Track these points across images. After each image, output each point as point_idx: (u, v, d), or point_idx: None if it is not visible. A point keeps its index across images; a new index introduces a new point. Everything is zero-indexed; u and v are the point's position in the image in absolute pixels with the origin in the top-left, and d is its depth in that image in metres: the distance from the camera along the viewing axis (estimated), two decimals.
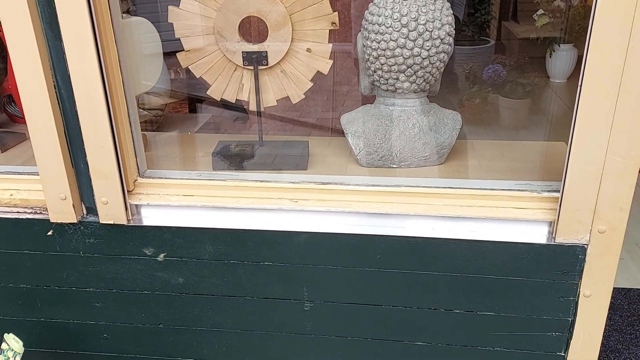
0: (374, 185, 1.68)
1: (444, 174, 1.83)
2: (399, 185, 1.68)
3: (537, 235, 1.59)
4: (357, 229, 1.64)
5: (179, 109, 3.00)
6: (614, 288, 1.58)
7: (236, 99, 1.86)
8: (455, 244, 1.60)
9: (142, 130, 1.78)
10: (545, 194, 1.62)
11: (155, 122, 3.04)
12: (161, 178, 1.76)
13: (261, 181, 1.72)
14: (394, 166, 1.87)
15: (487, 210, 1.62)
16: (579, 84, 1.37)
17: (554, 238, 1.56)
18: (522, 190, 1.64)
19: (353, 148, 1.87)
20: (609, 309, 1.63)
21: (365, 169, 1.88)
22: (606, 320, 1.62)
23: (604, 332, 1.63)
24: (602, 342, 1.67)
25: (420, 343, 1.77)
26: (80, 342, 1.94)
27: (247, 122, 2.85)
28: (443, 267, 1.65)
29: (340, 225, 1.65)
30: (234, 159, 1.86)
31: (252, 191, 1.71)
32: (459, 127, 1.90)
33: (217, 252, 1.72)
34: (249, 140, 1.95)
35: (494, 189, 1.64)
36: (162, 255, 1.74)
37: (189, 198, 1.72)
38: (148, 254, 1.74)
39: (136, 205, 1.73)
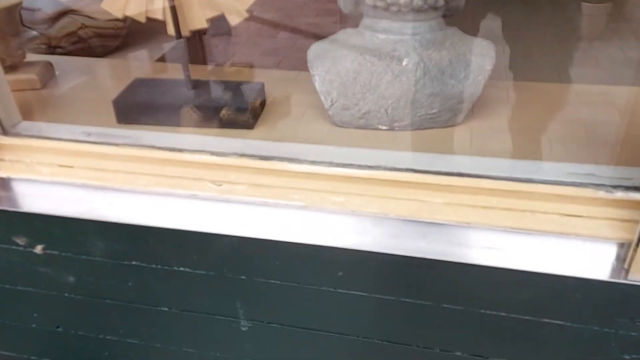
0: (341, 166, 1.08)
1: (457, 144, 1.19)
2: (379, 166, 1.06)
3: (598, 264, 0.97)
4: (308, 237, 1.06)
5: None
6: None
7: (148, 18, 1.23)
8: (458, 268, 1.01)
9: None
10: (620, 194, 0.98)
11: (115, 36, 2.44)
12: (34, 137, 1.19)
13: (172, 150, 1.13)
14: (383, 128, 1.24)
15: (514, 216, 1.00)
16: None
17: (626, 272, 0.95)
18: (579, 184, 1.00)
19: (322, 99, 1.24)
20: None
21: (339, 131, 1.25)
22: None
23: None
24: None
25: None
26: None
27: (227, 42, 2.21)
28: (440, 296, 1.07)
29: (282, 230, 1.07)
30: (147, 109, 1.26)
31: (157, 165, 1.13)
32: (490, 67, 1.22)
33: (110, 250, 1.18)
34: (176, 79, 1.34)
35: (528, 180, 1.01)
36: (39, 247, 1.22)
37: (67, 170, 1.16)
38: (21, 244, 1.23)
39: None
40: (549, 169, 1.05)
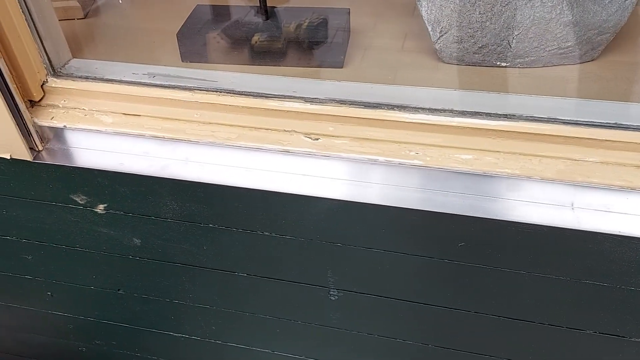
0: (467, 115, 0.88)
1: (597, 86, 0.98)
2: (514, 115, 0.86)
3: None
4: (425, 203, 0.88)
5: None
6: None
7: None
8: (616, 242, 0.83)
9: None
10: None
11: None
12: (89, 79, 1.00)
13: (256, 95, 0.94)
14: (503, 65, 1.03)
15: None
16: None
17: None
18: None
19: (429, 29, 1.02)
20: None
21: (447, 68, 1.04)
22: None
23: None
24: None
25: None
26: (25, 298, 1.39)
27: None
28: (585, 271, 0.90)
29: (392, 193, 0.90)
30: (215, 43, 1.06)
31: (239, 115, 0.94)
32: None
33: (185, 212, 1.02)
34: (244, 6, 1.12)
35: None
36: (101, 207, 1.07)
37: (133, 120, 0.98)
38: (80, 202, 1.07)
39: (49, 128, 1.01)
40: None
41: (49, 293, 1.34)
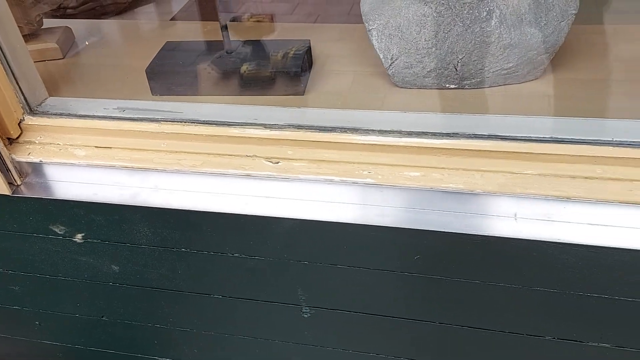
0: (414, 135, 0.94)
1: (539, 103, 1.04)
2: (458, 134, 0.93)
3: None
4: (381, 219, 0.93)
5: None
6: None
7: None
8: (557, 249, 0.88)
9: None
10: None
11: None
12: (64, 116, 1.07)
13: (219, 124, 1.00)
14: (452, 87, 1.10)
15: (623, 187, 0.87)
16: None
17: None
18: None
19: (381, 57, 1.09)
20: None
21: (400, 92, 1.11)
22: None
23: None
24: None
25: None
26: (14, 328, 1.44)
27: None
28: (533, 279, 0.95)
29: (349, 210, 0.95)
30: (184, 77, 1.13)
31: (204, 143, 1.01)
32: (575, 10, 1.06)
33: (158, 237, 1.08)
34: (211, 41, 1.19)
35: (635, 144, 0.87)
36: (79, 236, 1.13)
37: (104, 152, 1.04)
38: (60, 232, 1.13)
39: (27, 163, 1.07)
40: None
41: (37, 322, 1.39)
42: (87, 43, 1.34)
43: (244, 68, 1.13)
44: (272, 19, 1.53)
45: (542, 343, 1.04)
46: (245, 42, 1.20)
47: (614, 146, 0.87)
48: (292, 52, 1.16)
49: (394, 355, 1.19)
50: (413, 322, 1.09)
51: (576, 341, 1.02)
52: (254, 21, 1.54)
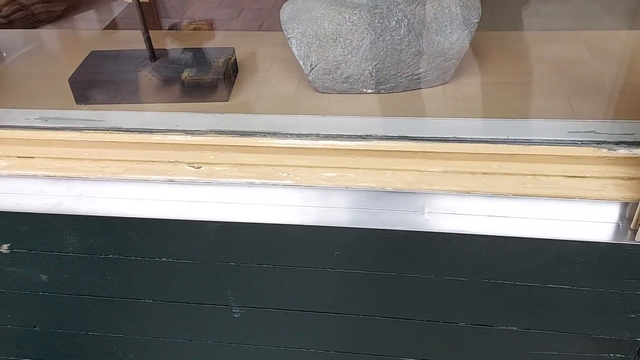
0: (330, 138, 0.99)
1: (448, 105, 1.12)
2: (371, 136, 0.99)
3: (602, 226, 0.93)
4: (300, 218, 0.98)
5: None
6: None
7: None
8: (460, 239, 0.96)
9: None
10: (623, 151, 0.93)
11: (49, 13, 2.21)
12: None
13: (141, 131, 1.03)
14: (368, 91, 1.16)
15: (516, 181, 0.95)
16: None
17: (633, 232, 0.91)
18: (581, 143, 0.94)
19: (301, 64, 1.14)
20: None
21: (321, 97, 1.16)
22: None
23: None
24: None
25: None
26: None
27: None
28: (441, 269, 1.02)
29: (271, 211, 1.00)
30: (107, 86, 1.15)
31: (126, 150, 1.03)
32: (477, 19, 1.14)
33: (84, 245, 1.09)
34: (135, 49, 1.22)
35: (527, 142, 0.95)
36: (5, 247, 1.12)
37: (26, 162, 1.05)
38: None
39: None
40: (548, 127, 0.99)
41: None
42: (4, 54, 1.33)
43: (169, 76, 1.16)
44: (211, 25, 1.57)
45: (457, 329, 1.12)
46: (171, 51, 1.23)
47: (508, 144, 0.95)
48: (218, 60, 1.19)
49: (323, 349, 1.24)
50: (338, 316, 1.14)
51: (487, 325, 1.10)
52: (192, 28, 1.56)
